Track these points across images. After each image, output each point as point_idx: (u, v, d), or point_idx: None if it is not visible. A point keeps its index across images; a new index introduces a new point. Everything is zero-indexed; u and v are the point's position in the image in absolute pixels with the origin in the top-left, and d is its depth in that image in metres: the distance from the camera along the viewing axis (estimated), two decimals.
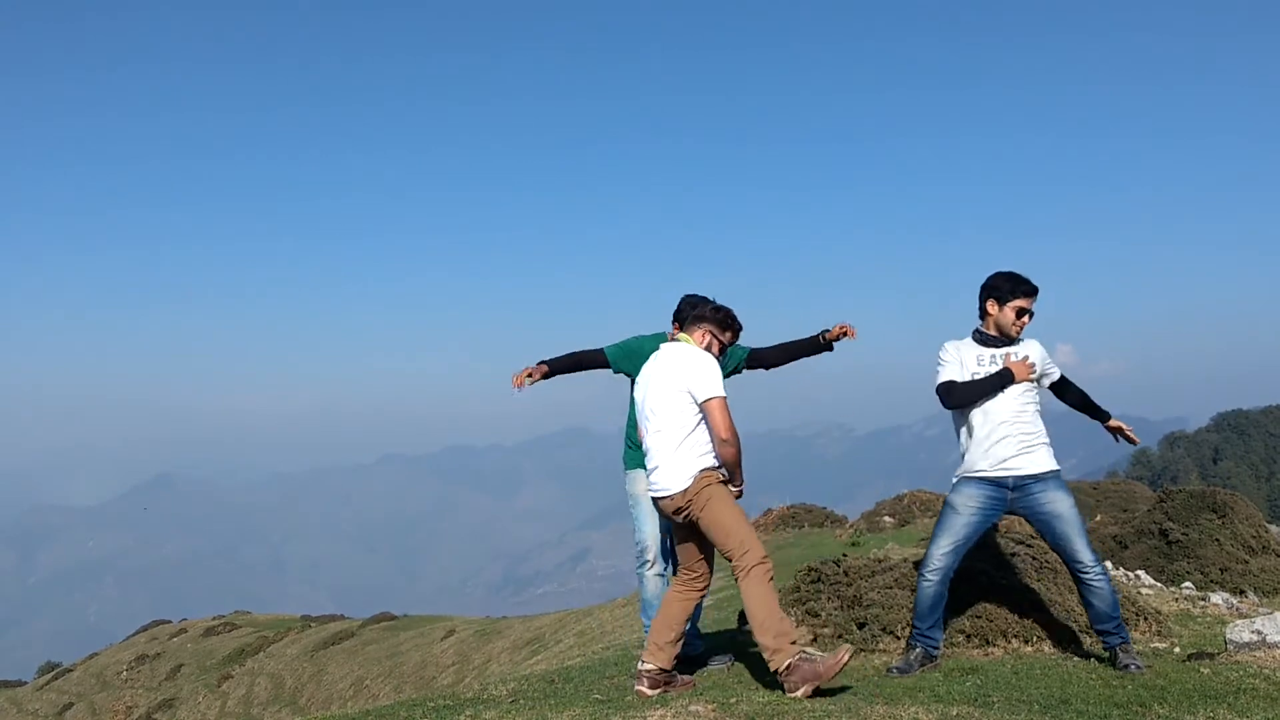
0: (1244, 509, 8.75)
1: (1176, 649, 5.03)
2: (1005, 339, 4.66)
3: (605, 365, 5.02)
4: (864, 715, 3.64)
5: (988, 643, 4.98)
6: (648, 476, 4.39)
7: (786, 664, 3.99)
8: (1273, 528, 9.43)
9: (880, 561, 5.98)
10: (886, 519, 15.76)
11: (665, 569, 4.99)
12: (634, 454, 4.95)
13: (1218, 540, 8.22)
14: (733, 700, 3.88)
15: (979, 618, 5.08)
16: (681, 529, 4.36)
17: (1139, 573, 7.98)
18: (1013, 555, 5.68)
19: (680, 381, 4.28)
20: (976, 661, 4.79)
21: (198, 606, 45.61)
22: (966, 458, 4.61)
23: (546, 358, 4.96)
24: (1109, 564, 8.00)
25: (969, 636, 5.03)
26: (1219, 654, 4.61)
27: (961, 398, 4.60)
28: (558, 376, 5.00)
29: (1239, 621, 4.77)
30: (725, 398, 4.24)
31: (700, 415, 4.25)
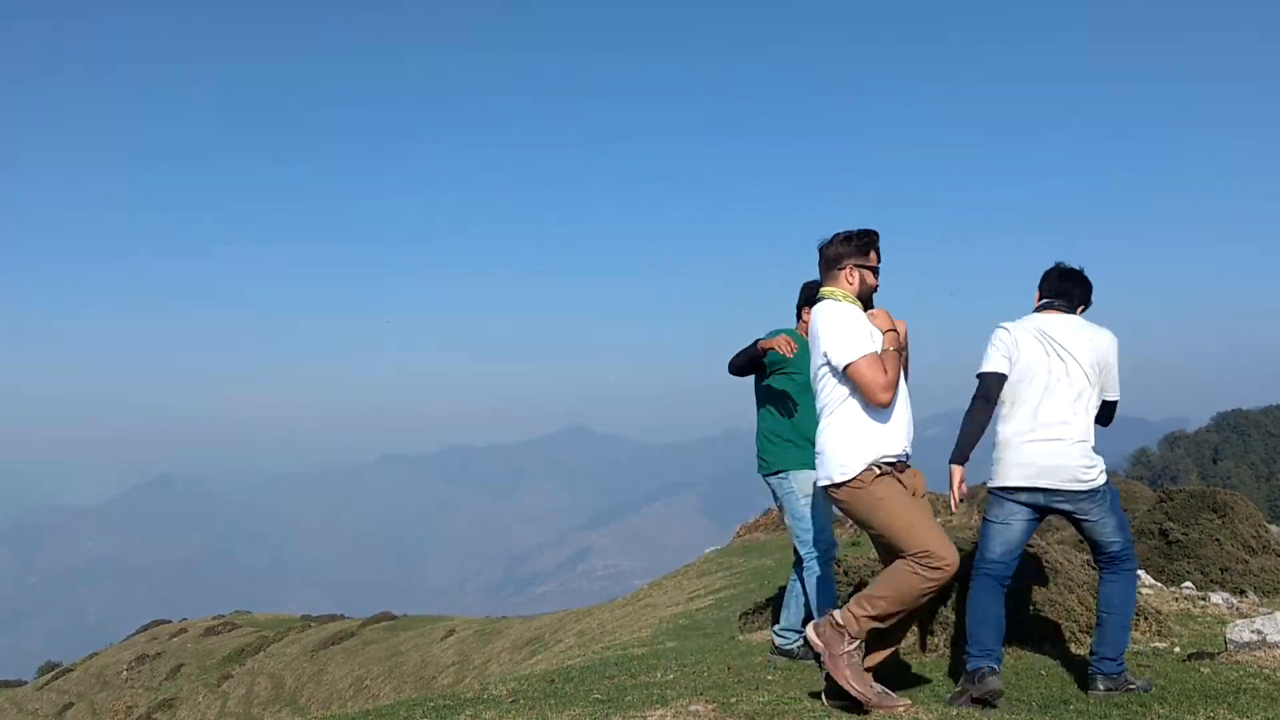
0: (1244, 509, 8.74)
1: (1176, 649, 5.03)
2: None
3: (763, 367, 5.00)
4: (864, 715, 3.65)
5: None
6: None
7: (838, 649, 3.62)
8: (1273, 528, 9.42)
9: (880, 561, 5.98)
10: None
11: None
12: (788, 451, 4.90)
13: (1218, 540, 8.21)
14: (733, 700, 3.88)
15: None
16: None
17: (1139, 572, 7.99)
18: None
19: (820, 349, 3.78)
20: None
21: (198, 606, 45.62)
22: None
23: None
24: None
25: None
26: (1219, 654, 4.61)
27: None
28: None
29: (1239, 621, 4.77)
30: (871, 354, 3.66)
31: (849, 386, 3.72)
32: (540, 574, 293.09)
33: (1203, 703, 3.72)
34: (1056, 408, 4.05)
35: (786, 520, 4.98)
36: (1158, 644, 5.14)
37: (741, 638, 6.28)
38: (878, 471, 3.69)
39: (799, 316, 5.12)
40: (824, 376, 3.78)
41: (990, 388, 4.15)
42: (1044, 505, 4.10)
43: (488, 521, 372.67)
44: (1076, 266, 4.40)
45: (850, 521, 5.66)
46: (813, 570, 4.84)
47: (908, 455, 3.80)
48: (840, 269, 3.87)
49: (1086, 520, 4.06)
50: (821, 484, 3.83)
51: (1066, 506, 4.07)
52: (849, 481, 3.71)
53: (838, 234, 3.91)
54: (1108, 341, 4.17)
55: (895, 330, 3.77)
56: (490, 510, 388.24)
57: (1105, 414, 4.18)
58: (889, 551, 3.77)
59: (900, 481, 3.76)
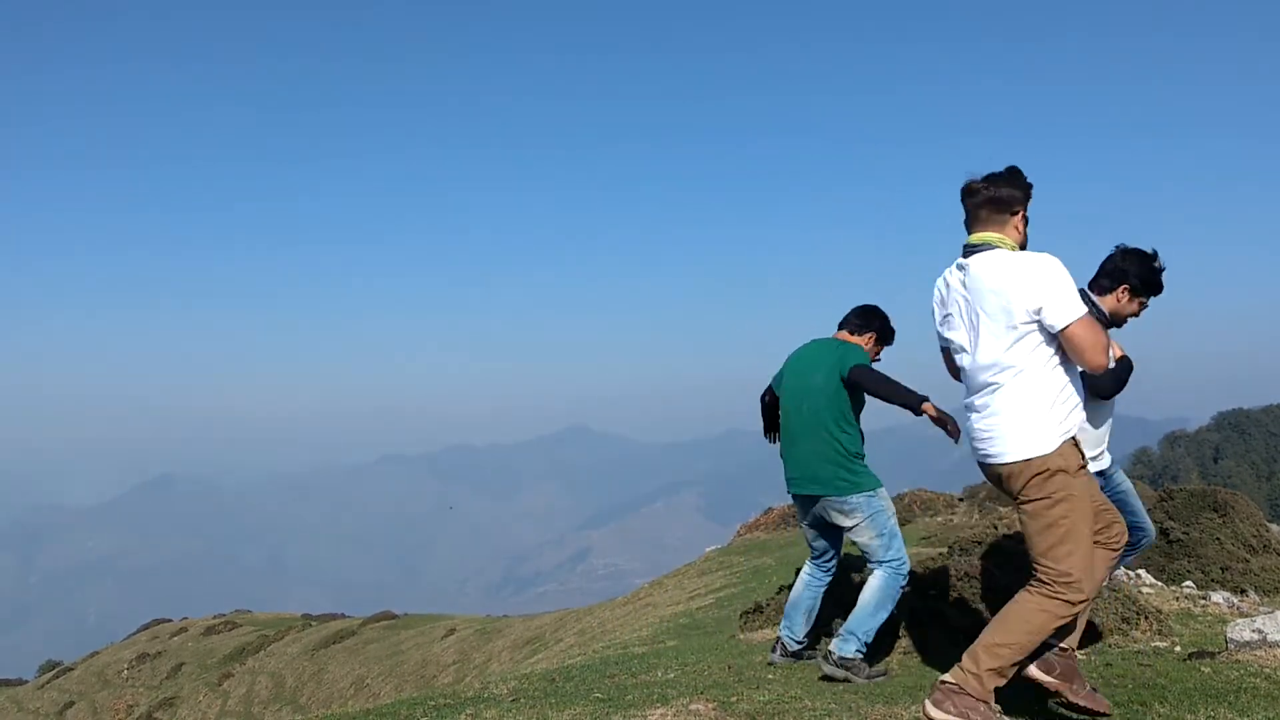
0: (1245, 508, 8.74)
1: (1177, 648, 5.02)
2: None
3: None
4: (864, 715, 3.65)
5: None
6: (970, 434, 3.44)
7: (955, 684, 3.24)
8: (1273, 527, 9.41)
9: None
10: None
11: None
12: (870, 470, 4.72)
13: (1218, 539, 8.21)
14: (733, 699, 3.89)
15: (979, 616, 5.08)
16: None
17: (1140, 571, 7.97)
18: (1013, 555, 5.68)
19: (1024, 302, 3.19)
20: None
21: (198, 606, 45.61)
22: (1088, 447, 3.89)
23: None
24: None
25: (969, 636, 5.03)
26: (1220, 653, 4.60)
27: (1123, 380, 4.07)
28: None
29: (1240, 620, 4.76)
30: (1088, 314, 3.19)
31: (1053, 349, 3.23)
32: (540, 573, 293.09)
33: (1203, 702, 3.71)
34: None
35: (869, 540, 4.60)
36: (1158, 643, 5.13)
37: (742, 637, 6.27)
38: (1083, 462, 3.27)
39: (857, 330, 4.86)
40: (1026, 334, 3.21)
41: None
42: None
43: (488, 521, 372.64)
44: (1143, 249, 4.14)
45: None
46: (895, 585, 4.60)
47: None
48: (1014, 214, 3.35)
49: None
50: (1020, 456, 3.22)
51: None
52: (1059, 453, 3.20)
53: (998, 175, 3.38)
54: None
55: None
56: (490, 510, 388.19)
57: None
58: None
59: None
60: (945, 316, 3.46)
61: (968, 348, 3.36)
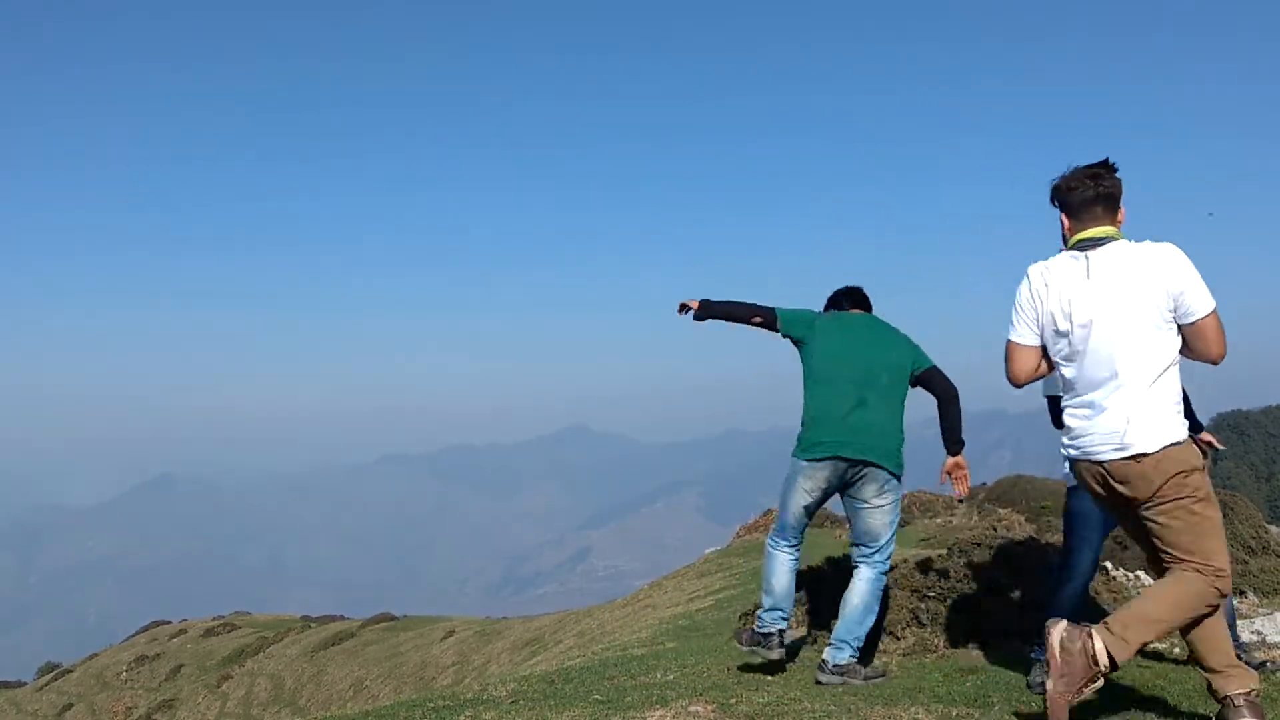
0: (1244, 509, 8.76)
1: (1176, 649, 5.02)
2: None
3: (773, 327, 4.65)
4: (864, 715, 3.65)
5: (988, 643, 4.99)
6: (1083, 433, 3.26)
7: (1097, 642, 3.07)
8: (1272, 528, 9.43)
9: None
10: None
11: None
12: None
13: None
14: (733, 700, 3.89)
15: (979, 617, 5.08)
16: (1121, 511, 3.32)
17: (1139, 573, 7.98)
18: (1012, 556, 5.69)
19: (1169, 289, 3.14)
20: (976, 662, 4.80)
21: (198, 607, 45.65)
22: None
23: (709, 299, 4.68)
24: (1109, 564, 7.98)
25: (969, 636, 5.04)
26: None
27: None
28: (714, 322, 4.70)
29: (1239, 622, 4.77)
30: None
31: (1178, 345, 3.19)
32: (540, 574, 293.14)
33: (1203, 703, 3.71)
34: None
35: (883, 523, 4.50)
36: (1158, 644, 5.14)
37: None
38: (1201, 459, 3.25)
39: (865, 307, 4.80)
40: (1167, 323, 3.17)
41: None
42: None
43: (488, 521, 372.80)
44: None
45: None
46: (879, 586, 4.56)
47: None
48: (1121, 208, 3.37)
49: None
50: (1163, 443, 3.12)
51: None
52: (1193, 450, 3.16)
53: (1098, 168, 3.39)
54: None
55: None
56: (490, 510, 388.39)
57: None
58: (1151, 549, 3.27)
59: None
60: (1068, 305, 3.28)
61: (1094, 340, 3.23)
